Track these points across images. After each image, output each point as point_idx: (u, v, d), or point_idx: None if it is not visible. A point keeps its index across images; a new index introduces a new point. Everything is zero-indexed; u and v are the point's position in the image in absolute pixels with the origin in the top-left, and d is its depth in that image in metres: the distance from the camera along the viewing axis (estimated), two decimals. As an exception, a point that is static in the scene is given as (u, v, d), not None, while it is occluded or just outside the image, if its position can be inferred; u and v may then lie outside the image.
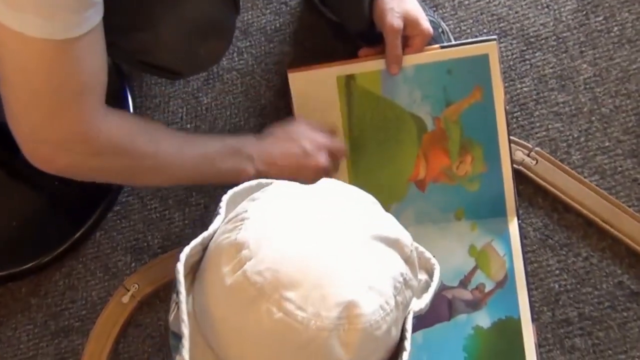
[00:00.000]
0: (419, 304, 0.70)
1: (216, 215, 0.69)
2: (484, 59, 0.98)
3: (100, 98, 0.77)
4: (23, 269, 1.08)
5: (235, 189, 0.73)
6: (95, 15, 0.70)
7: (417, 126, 1.01)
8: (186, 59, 0.85)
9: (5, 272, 1.08)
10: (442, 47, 0.99)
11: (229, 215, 0.68)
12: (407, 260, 0.68)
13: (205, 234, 0.67)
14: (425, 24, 0.97)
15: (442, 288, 1.00)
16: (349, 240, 0.65)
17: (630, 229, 1.02)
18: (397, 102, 1.01)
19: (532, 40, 1.12)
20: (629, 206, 1.04)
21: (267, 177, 0.78)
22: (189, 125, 1.12)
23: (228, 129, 1.11)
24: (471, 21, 1.13)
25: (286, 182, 0.72)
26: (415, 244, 0.73)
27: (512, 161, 1.01)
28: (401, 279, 0.66)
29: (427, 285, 0.74)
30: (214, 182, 0.93)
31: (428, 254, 0.77)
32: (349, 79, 1.00)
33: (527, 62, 1.11)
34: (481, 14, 1.13)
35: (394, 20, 0.94)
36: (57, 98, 0.72)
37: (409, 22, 0.96)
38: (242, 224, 0.64)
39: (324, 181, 0.73)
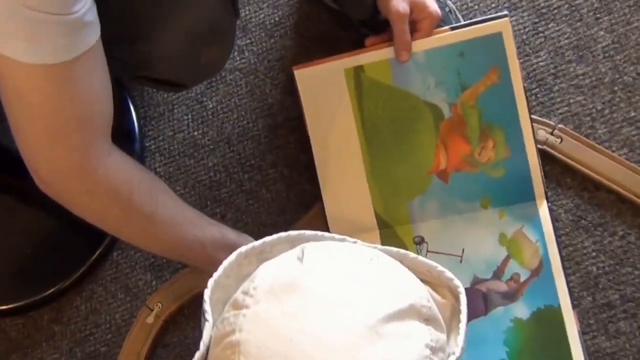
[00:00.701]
0: (455, 349, 0.65)
1: (204, 322, 0.64)
2: (497, 37, 0.93)
3: (102, 132, 0.73)
4: (43, 297, 1.05)
5: (216, 276, 0.67)
6: (89, 36, 0.67)
7: (433, 114, 0.97)
8: (188, 68, 0.81)
9: (25, 302, 1.06)
10: (452, 29, 0.95)
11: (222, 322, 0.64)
12: (429, 320, 0.63)
13: (198, 354, 0.63)
14: (433, 6, 0.93)
15: (476, 281, 0.96)
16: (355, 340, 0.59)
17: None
18: (410, 91, 0.96)
19: (544, 11, 1.07)
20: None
21: None
22: (196, 133, 1.08)
23: (237, 132, 1.08)
24: (477, -3, 1.08)
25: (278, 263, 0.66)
26: (433, 264, 0.69)
27: (536, 142, 0.96)
28: (427, 352, 0.61)
29: (453, 309, 0.69)
30: (197, 265, 0.88)
31: (449, 274, 0.70)
32: (358, 70, 0.96)
33: (541, 34, 1.06)
34: (489, -12, 1.08)
35: (400, 4, 0.90)
36: (53, 125, 0.69)
37: (415, 5, 0.91)
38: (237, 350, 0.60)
39: (325, 254, 0.66)
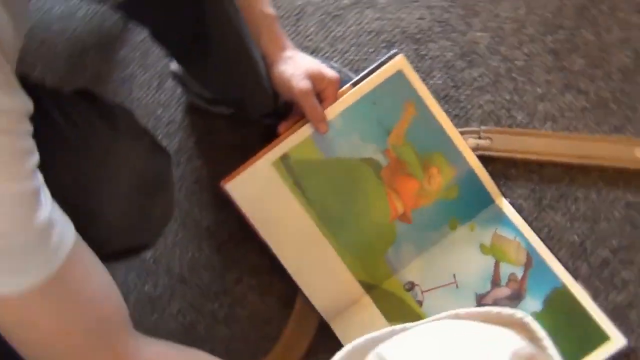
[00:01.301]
0: None
1: None
2: (399, 75, 0.97)
3: (125, 326, 0.68)
4: None
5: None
6: (65, 236, 0.62)
7: (371, 168, 0.98)
8: (141, 225, 0.80)
9: None
10: (355, 84, 0.98)
11: None
12: (533, 357, 0.64)
13: None
14: (329, 72, 0.96)
15: (480, 298, 0.96)
16: None
17: (604, 151, 1.02)
18: (341, 157, 0.98)
19: (419, 37, 1.13)
20: (599, 131, 1.04)
21: None
22: (146, 287, 1.04)
23: (186, 267, 1.05)
24: (353, 49, 1.12)
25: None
26: (487, 309, 0.69)
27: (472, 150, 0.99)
28: None
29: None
30: None
31: (508, 310, 0.71)
32: (284, 159, 0.97)
33: (427, 57, 1.11)
34: (359, 37, 1.13)
35: (301, 83, 0.93)
36: (73, 344, 0.63)
37: (314, 78, 0.94)
38: None
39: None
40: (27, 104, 0.61)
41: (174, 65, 1.07)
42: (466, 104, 1.09)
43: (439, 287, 0.98)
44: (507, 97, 1.08)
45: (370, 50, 1.13)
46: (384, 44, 1.13)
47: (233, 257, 1.05)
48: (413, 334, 0.67)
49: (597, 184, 1.03)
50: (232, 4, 0.85)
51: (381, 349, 0.64)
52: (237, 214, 0.98)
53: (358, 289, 0.98)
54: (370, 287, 0.99)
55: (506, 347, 0.61)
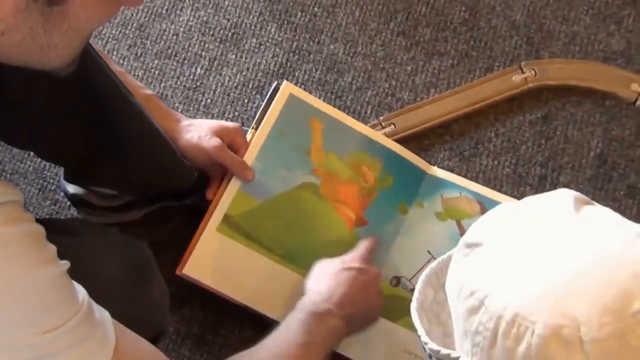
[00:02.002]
0: None
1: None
2: (292, 99, 1.00)
3: None
4: None
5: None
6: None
7: (309, 191, 0.99)
8: (148, 313, 0.75)
9: None
10: (256, 126, 0.99)
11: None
12: None
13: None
14: (230, 124, 0.98)
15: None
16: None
17: (488, 90, 1.10)
18: (277, 193, 0.98)
19: (281, 71, 1.15)
20: (474, 78, 1.13)
21: (353, 319, 0.83)
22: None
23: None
24: (229, 107, 1.13)
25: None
26: None
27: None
28: None
29: None
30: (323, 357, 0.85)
31: None
32: (226, 220, 0.95)
33: (298, 84, 1.14)
34: (229, 95, 1.14)
35: (211, 141, 0.93)
36: None
37: (220, 133, 0.95)
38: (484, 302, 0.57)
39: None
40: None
41: (71, 188, 1.02)
42: (356, 106, 1.13)
43: (421, 268, 0.99)
44: (386, 85, 1.14)
45: (246, 101, 1.15)
46: (255, 91, 1.15)
47: (216, 345, 1.00)
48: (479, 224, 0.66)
49: (497, 118, 1.11)
50: (128, 92, 0.84)
51: (465, 238, 0.63)
52: (209, 295, 0.94)
53: (350, 308, 0.97)
54: (360, 300, 0.98)
55: (569, 193, 0.63)
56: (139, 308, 0.74)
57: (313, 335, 0.82)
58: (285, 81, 1.01)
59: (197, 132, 0.93)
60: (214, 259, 0.94)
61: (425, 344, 0.62)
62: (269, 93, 1.01)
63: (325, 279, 0.89)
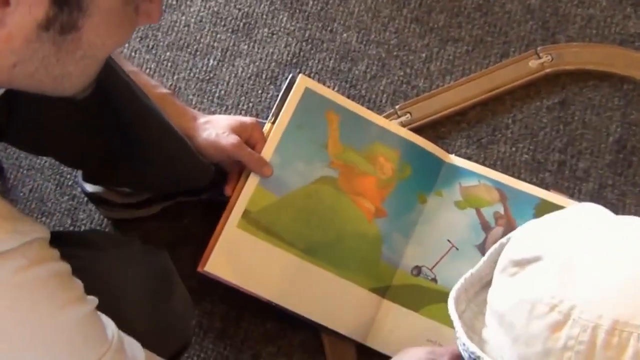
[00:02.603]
0: None
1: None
2: (308, 92, 0.99)
3: None
4: None
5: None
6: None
7: (327, 184, 0.98)
8: (170, 327, 0.75)
9: None
10: (274, 121, 0.98)
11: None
12: None
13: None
14: (248, 119, 0.97)
15: (481, 248, 0.98)
16: None
17: (504, 76, 1.09)
18: (295, 188, 0.97)
19: (295, 60, 1.14)
20: (489, 64, 1.12)
21: None
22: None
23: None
24: (243, 99, 1.13)
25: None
26: None
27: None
28: None
29: None
30: None
31: None
32: (246, 216, 0.95)
33: (312, 74, 1.13)
34: (242, 86, 1.14)
35: (229, 138, 0.92)
36: None
37: (237, 130, 0.94)
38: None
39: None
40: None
41: (89, 187, 1.02)
42: (371, 95, 1.12)
43: (442, 257, 0.99)
44: (401, 73, 1.13)
45: (260, 92, 1.14)
46: (268, 81, 1.14)
47: (238, 338, 1.01)
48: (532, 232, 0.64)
49: (514, 104, 1.10)
50: (143, 94, 0.83)
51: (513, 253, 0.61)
52: (230, 289, 0.94)
53: (373, 298, 0.97)
54: (383, 291, 0.98)
55: (594, 205, 0.63)
56: (162, 321, 0.74)
57: None
58: (300, 74, 1.00)
59: (215, 129, 0.93)
60: (235, 255, 0.94)
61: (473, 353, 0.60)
62: (285, 85, 1.00)
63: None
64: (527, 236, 0.61)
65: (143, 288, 0.73)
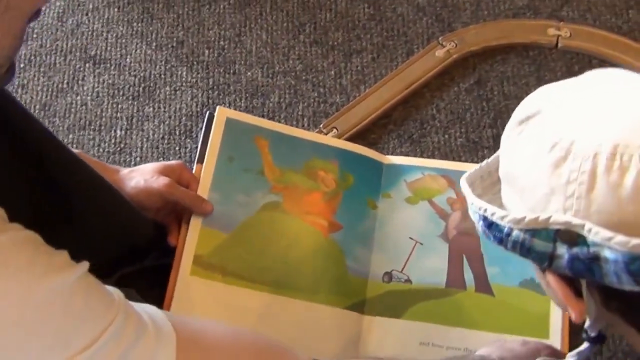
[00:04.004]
0: None
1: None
2: (232, 123, 0.95)
3: None
4: None
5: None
6: None
7: (274, 210, 0.93)
8: None
9: None
10: (201, 160, 0.93)
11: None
12: None
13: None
14: (172, 162, 0.93)
15: (445, 237, 0.95)
16: None
17: (419, 71, 1.10)
18: (242, 221, 0.91)
19: (205, 109, 1.12)
20: (398, 64, 1.12)
21: None
22: None
23: None
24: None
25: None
26: None
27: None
28: None
29: None
30: None
31: None
32: (198, 262, 0.87)
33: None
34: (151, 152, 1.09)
35: (159, 181, 0.87)
36: None
37: (165, 172, 0.89)
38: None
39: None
40: None
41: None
42: (291, 122, 1.10)
43: (409, 256, 0.95)
44: (315, 94, 1.12)
45: (177, 148, 1.09)
46: (183, 136, 1.09)
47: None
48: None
49: (434, 95, 1.11)
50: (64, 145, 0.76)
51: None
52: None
53: (352, 316, 0.91)
54: (360, 306, 0.92)
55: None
56: None
57: None
58: (218, 107, 0.96)
59: (142, 176, 0.87)
60: (195, 305, 0.86)
61: (492, 214, 0.58)
62: (205, 124, 0.96)
63: (501, 349, 0.81)
64: (529, 97, 0.60)
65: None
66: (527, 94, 0.61)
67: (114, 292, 0.57)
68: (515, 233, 0.56)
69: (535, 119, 0.57)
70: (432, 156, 1.05)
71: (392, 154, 1.05)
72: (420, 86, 1.09)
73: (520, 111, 0.59)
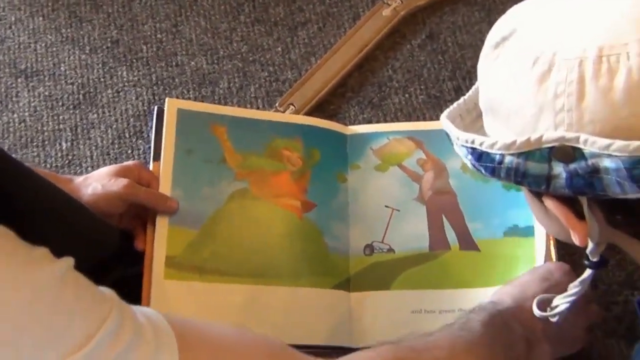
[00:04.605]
0: None
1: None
2: (184, 114, 0.90)
3: None
4: None
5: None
6: None
7: (243, 198, 0.88)
8: None
9: None
10: (157, 157, 0.88)
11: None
12: None
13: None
14: (128, 162, 0.88)
15: (421, 199, 0.91)
16: None
17: (369, 33, 1.06)
18: (211, 214, 0.86)
19: (153, 106, 1.06)
20: (346, 31, 1.08)
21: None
22: None
23: None
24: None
25: None
26: None
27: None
28: None
29: None
30: None
31: None
32: (170, 263, 0.82)
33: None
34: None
35: (118, 183, 0.82)
36: None
37: (121, 173, 0.84)
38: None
39: None
40: None
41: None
42: (245, 105, 1.04)
43: (387, 225, 0.91)
44: (265, 74, 1.07)
45: (130, 151, 1.02)
46: (134, 137, 1.03)
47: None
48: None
49: (387, 55, 1.07)
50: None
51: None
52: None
53: (340, 294, 0.87)
54: (346, 284, 0.88)
55: None
56: None
57: (495, 342, 0.69)
58: (167, 99, 0.91)
59: (98, 181, 0.81)
60: (176, 310, 0.80)
61: (481, 144, 0.54)
62: (154, 119, 0.90)
63: (514, 287, 0.77)
64: (500, 19, 0.57)
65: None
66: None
67: (105, 290, 0.52)
68: (507, 159, 0.52)
69: (511, 39, 0.54)
70: (396, 118, 1.02)
71: (354, 122, 1.01)
72: (372, 49, 1.05)
73: (494, 34, 0.56)
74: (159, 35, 1.13)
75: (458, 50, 1.07)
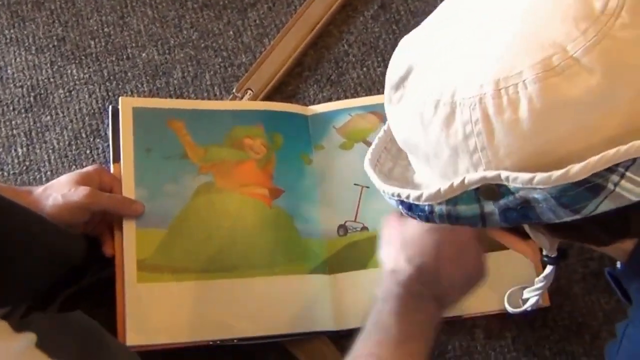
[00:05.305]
0: None
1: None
2: (139, 112, 0.89)
3: None
4: None
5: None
6: None
7: (209, 191, 0.87)
8: None
9: None
10: (117, 158, 0.86)
11: None
12: None
13: None
14: (88, 168, 0.86)
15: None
16: None
17: (320, 9, 1.03)
18: (178, 212, 0.85)
19: (107, 102, 1.04)
20: (296, 9, 1.05)
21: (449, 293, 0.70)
22: None
23: None
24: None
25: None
26: None
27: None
28: None
29: None
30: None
31: None
32: (142, 266, 0.81)
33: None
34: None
35: (79, 192, 0.80)
36: None
37: (82, 181, 0.82)
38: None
39: None
40: None
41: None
42: (202, 94, 1.01)
43: (358, 203, 0.90)
44: (219, 60, 1.03)
45: (88, 151, 0.99)
46: (92, 136, 0.99)
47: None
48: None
49: (341, 30, 1.05)
50: None
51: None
52: (171, 352, 0.80)
53: (318, 279, 0.87)
54: (323, 268, 0.88)
55: None
56: None
57: (412, 325, 0.67)
58: (121, 97, 0.89)
59: (58, 191, 0.79)
60: (152, 313, 0.80)
61: (407, 197, 0.53)
62: (110, 119, 0.88)
63: (405, 247, 0.73)
64: (394, 56, 0.56)
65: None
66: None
67: None
68: (437, 208, 0.51)
69: (410, 80, 0.52)
70: (356, 93, 1.00)
71: (314, 101, 1.00)
72: (325, 24, 1.03)
73: (392, 74, 0.54)
74: (106, 29, 1.09)
75: (411, 17, 1.05)
